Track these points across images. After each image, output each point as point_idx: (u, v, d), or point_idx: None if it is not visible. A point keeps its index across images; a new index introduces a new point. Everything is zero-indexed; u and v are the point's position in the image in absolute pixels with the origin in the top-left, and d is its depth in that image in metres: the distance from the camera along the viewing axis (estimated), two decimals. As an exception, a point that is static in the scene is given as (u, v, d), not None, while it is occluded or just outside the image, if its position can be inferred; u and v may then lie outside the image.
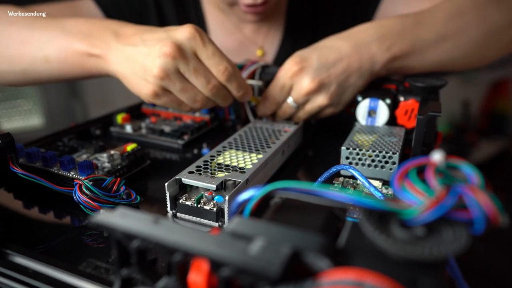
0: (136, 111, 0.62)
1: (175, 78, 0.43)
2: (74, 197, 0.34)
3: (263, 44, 0.74)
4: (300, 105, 0.51)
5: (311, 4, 0.73)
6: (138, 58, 0.43)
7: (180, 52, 0.42)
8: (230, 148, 0.41)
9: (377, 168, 0.40)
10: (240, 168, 0.37)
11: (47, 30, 0.50)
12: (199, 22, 0.73)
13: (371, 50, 0.49)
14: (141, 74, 0.43)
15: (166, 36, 0.43)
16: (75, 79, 0.53)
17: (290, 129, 0.48)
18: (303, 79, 0.49)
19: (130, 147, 0.43)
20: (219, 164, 0.38)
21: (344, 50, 0.49)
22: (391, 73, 0.54)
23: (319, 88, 0.49)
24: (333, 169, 0.37)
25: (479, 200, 0.18)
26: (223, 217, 0.33)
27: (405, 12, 0.56)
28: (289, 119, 0.54)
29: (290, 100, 0.51)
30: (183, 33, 0.43)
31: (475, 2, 0.56)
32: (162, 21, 0.73)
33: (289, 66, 0.50)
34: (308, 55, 0.50)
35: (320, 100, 0.50)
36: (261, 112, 0.54)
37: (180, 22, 0.72)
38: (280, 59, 0.72)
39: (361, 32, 0.51)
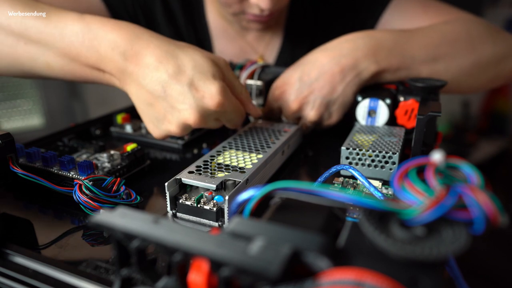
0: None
1: (189, 131, 0.44)
2: (74, 197, 0.34)
3: (264, 52, 0.74)
4: (295, 121, 0.53)
5: (312, 15, 0.73)
6: (157, 106, 0.42)
7: (204, 119, 0.42)
8: (230, 148, 0.41)
9: (377, 168, 0.40)
10: (240, 168, 0.37)
11: (44, 33, 0.44)
12: (202, 27, 0.73)
13: (356, 60, 0.49)
14: (155, 120, 0.43)
15: (193, 102, 0.40)
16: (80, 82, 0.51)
17: (290, 129, 0.48)
18: (287, 101, 0.52)
19: (130, 147, 0.43)
20: (219, 164, 0.38)
21: (325, 64, 0.50)
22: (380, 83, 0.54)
23: (302, 106, 0.51)
24: (333, 169, 0.37)
25: (479, 200, 0.18)
26: (223, 217, 0.33)
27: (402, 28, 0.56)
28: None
29: (284, 119, 0.54)
30: (212, 103, 0.40)
31: (470, 31, 0.57)
32: (169, 20, 0.72)
33: (273, 91, 0.53)
34: (290, 75, 0.52)
35: (309, 115, 0.51)
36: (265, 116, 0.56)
37: (186, 23, 0.72)
38: None
39: (348, 42, 0.51)
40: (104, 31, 0.43)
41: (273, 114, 0.54)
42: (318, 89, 0.50)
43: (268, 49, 0.74)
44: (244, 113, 0.47)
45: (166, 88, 0.41)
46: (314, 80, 0.50)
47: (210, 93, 0.40)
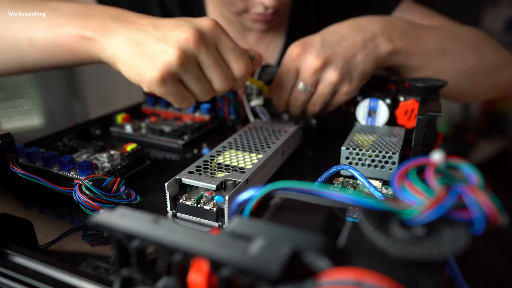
0: (136, 111, 0.62)
1: (192, 66, 0.40)
2: (74, 197, 0.34)
3: (264, 53, 0.74)
4: (311, 88, 0.50)
5: (314, 16, 0.73)
6: (148, 42, 0.39)
7: (203, 40, 0.39)
8: (230, 148, 0.41)
9: (377, 168, 0.40)
10: (240, 168, 0.37)
11: (35, 10, 0.45)
12: None
13: (374, 35, 0.50)
14: (149, 58, 0.39)
15: (186, 23, 0.40)
16: (63, 66, 0.48)
17: (290, 129, 0.48)
18: (308, 58, 0.48)
19: (130, 147, 0.43)
20: (219, 164, 0.38)
21: (346, 32, 0.50)
22: (393, 70, 0.54)
23: (325, 64, 0.48)
24: (333, 169, 0.37)
25: (479, 200, 0.18)
26: (223, 217, 0.33)
27: None
28: (304, 115, 0.54)
29: (300, 85, 0.50)
30: (205, 22, 0.40)
31: (475, 35, 0.59)
32: None
33: (292, 50, 0.50)
34: (310, 38, 0.50)
35: (331, 76, 0.48)
36: (275, 103, 0.53)
37: None
38: None
39: (364, 20, 0.52)
40: (97, 4, 0.46)
41: (288, 79, 0.50)
42: (341, 51, 0.48)
43: (268, 50, 0.74)
44: (247, 55, 0.44)
45: (157, 24, 0.41)
46: (336, 43, 0.49)
47: (204, 18, 0.41)
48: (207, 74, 0.41)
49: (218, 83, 0.42)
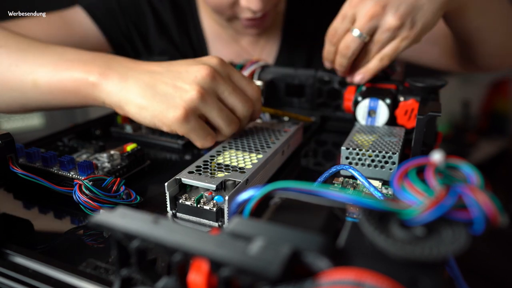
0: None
1: (213, 99, 0.40)
2: (74, 197, 0.34)
3: (260, 56, 0.74)
4: (367, 36, 0.47)
5: (309, 18, 0.73)
6: (163, 84, 0.40)
7: (217, 74, 0.41)
8: (230, 148, 0.41)
9: (377, 168, 0.40)
10: (240, 168, 0.37)
11: (42, 55, 0.46)
12: (197, 33, 0.73)
13: None
14: (167, 98, 0.39)
15: (196, 63, 0.41)
16: (65, 107, 0.48)
17: (290, 129, 0.48)
18: (366, 4, 0.45)
19: (130, 147, 0.43)
20: (219, 164, 0.38)
21: None
22: (450, 13, 0.52)
23: (384, 8, 0.45)
24: (333, 169, 0.37)
25: (479, 200, 0.18)
26: (223, 217, 0.33)
27: None
28: (351, 71, 0.51)
29: (355, 31, 0.47)
30: (214, 59, 0.42)
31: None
32: (161, 30, 0.72)
33: None
34: None
35: (389, 21, 0.45)
36: (325, 54, 0.52)
37: (179, 32, 0.72)
38: None
39: None
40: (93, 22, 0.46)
41: (341, 24, 0.48)
42: None
43: (263, 53, 0.74)
44: (259, 95, 0.45)
45: (168, 68, 0.42)
46: None
47: (211, 56, 0.43)
48: (228, 102, 0.42)
49: (241, 107, 0.43)
